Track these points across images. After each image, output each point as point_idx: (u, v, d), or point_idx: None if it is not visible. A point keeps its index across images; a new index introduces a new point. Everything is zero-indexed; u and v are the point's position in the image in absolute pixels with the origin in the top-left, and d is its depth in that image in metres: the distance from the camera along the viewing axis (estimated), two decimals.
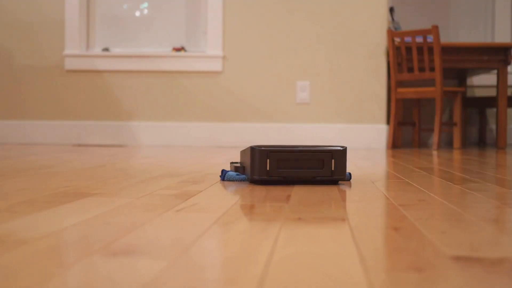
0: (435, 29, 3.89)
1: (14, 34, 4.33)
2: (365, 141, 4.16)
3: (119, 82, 4.27)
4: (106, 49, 4.32)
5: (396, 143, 4.40)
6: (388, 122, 4.74)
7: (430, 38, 4.11)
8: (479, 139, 5.03)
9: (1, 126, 4.32)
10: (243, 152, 1.60)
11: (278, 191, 1.36)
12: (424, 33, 3.92)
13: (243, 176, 1.57)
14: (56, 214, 0.97)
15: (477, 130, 5.21)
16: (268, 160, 1.46)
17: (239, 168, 1.61)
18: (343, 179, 1.52)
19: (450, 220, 0.95)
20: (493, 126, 5.21)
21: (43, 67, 4.31)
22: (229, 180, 1.57)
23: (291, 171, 1.48)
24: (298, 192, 1.34)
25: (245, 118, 4.21)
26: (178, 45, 4.33)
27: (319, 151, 1.49)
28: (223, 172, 1.59)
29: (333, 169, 1.50)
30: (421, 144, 5.08)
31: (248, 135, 4.19)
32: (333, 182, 1.54)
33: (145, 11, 4.37)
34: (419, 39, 4.11)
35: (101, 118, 4.29)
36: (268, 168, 1.46)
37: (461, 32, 5.26)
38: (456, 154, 3.30)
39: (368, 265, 0.63)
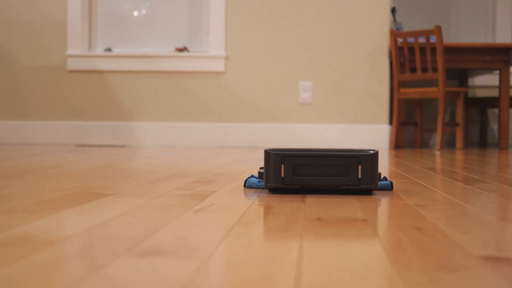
0: (438, 30, 3.89)
1: (17, 35, 4.32)
2: (368, 141, 4.16)
3: (121, 82, 4.27)
4: (108, 49, 4.31)
5: (399, 143, 4.40)
6: (390, 122, 4.74)
7: (432, 39, 4.11)
8: (480, 140, 5.04)
9: (3, 126, 4.32)
10: None
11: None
12: (427, 33, 3.93)
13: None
14: (76, 215, 0.97)
15: (478, 131, 5.22)
16: (282, 165, 1.29)
17: (262, 174, 1.43)
18: (373, 189, 1.30)
19: (470, 221, 0.95)
20: (494, 126, 5.22)
21: (46, 67, 4.30)
22: (249, 187, 1.42)
23: (309, 178, 1.29)
24: (312, 192, 1.34)
25: (248, 118, 4.22)
26: (180, 45, 4.33)
27: (343, 156, 1.29)
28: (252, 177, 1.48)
29: (360, 176, 1.28)
30: (423, 144, 5.09)
31: (251, 135, 4.20)
32: (361, 192, 1.35)
33: (148, 11, 4.37)
34: (421, 40, 4.12)
35: (103, 118, 4.28)
36: (282, 175, 1.29)
37: (462, 32, 5.27)
38: (460, 154, 3.31)
39: (399, 266, 0.63)
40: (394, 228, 0.87)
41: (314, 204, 1.13)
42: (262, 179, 1.42)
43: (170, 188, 1.39)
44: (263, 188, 1.41)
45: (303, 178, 1.29)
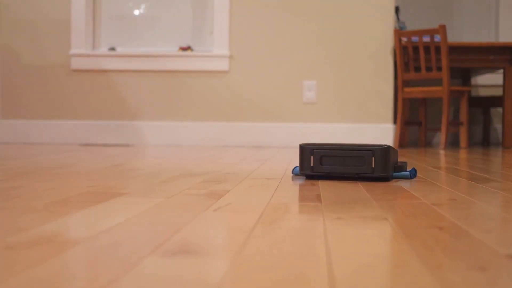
0: (442, 29, 3.89)
1: (21, 34, 4.32)
2: (372, 141, 4.16)
3: (125, 81, 4.27)
4: (112, 49, 4.31)
5: (403, 143, 4.40)
6: (394, 122, 4.74)
7: (437, 38, 4.11)
8: (483, 139, 5.04)
9: (7, 126, 4.31)
10: None
11: (306, 190, 1.36)
12: (431, 32, 3.93)
13: None
14: (95, 214, 0.97)
15: (481, 130, 5.21)
16: (312, 157, 1.60)
17: None
18: (385, 177, 1.56)
19: (490, 220, 0.95)
20: (497, 125, 5.22)
21: (49, 66, 4.30)
22: (296, 174, 1.71)
23: (333, 167, 1.59)
24: (326, 191, 1.34)
25: (252, 118, 4.21)
26: (184, 45, 4.33)
27: (360, 149, 1.56)
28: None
29: (373, 166, 1.55)
30: (427, 143, 5.09)
31: (255, 135, 4.19)
32: (376, 179, 1.61)
33: (152, 11, 4.36)
34: (426, 39, 4.11)
35: (107, 118, 4.28)
36: (312, 164, 1.60)
37: (465, 31, 5.27)
38: (465, 154, 3.31)
39: (430, 265, 0.63)
40: (416, 227, 0.87)
41: (331, 204, 1.13)
42: None
43: (183, 188, 1.39)
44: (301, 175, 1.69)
45: (328, 167, 1.60)
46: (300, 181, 1.58)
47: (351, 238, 0.78)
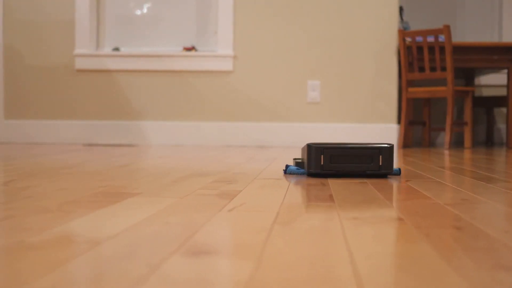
0: (446, 29, 3.89)
1: (25, 34, 4.32)
2: (376, 141, 4.16)
3: (129, 81, 4.27)
4: (116, 49, 4.31)
5: (407, 143, 4.40)
6: (398, 122, 4.74)
7: (441, 38, 4.11)
8: (487, 139, 5.04)
9: (11, 126, 4.32)
10: (303, 150, 1.80)
11: (317, 190, 1.36)
12: (435, 32, 3.92)
13: (303, 170, 1.76)
14: (110, 214, 0.97)
15: (485, 130, 5.21)
16: (322, 155, 1.66)
17: (300, 163, 1.84)
18: (390, 173, 1.68)
19: (506, 220, 0.95)
20: (500, 125, 5.21)
21: (53, 66, 4.30)
22: (290, 173, 1.75)
23: (342, 165, 1.67)
24: (337, 191, 1.34)
25: (256, 118, 4.21)
26: (188, 45, 4.33)
27: (368, 148, 1.67)
28: (286, 167, 1.78)
29: (380, 164, 1.67)
30: (430, 143, 5.08)
31: (259, 134, 4.19)
32: (381, 176, 1.71)
33: (156, 11, 4.36)
34: (430, 39, 4.11)
35: (111, 118, 4.28)
36: (322, 163, 1.66)
37: (468, 31, 5.27)
38: (470, 154, 3.30)
39: (454, 265, 0.63)
40: (434, 227, 0.87)
41: (344, 204, 1.13)
42: (300, 168, 1.78)
43: (194, 188, 1.39)
44: (302, 174, 1.74)
45: (338, 165, 1.67)
46: (311, 180, 1.58)
47: (370, 238, 0.78)
